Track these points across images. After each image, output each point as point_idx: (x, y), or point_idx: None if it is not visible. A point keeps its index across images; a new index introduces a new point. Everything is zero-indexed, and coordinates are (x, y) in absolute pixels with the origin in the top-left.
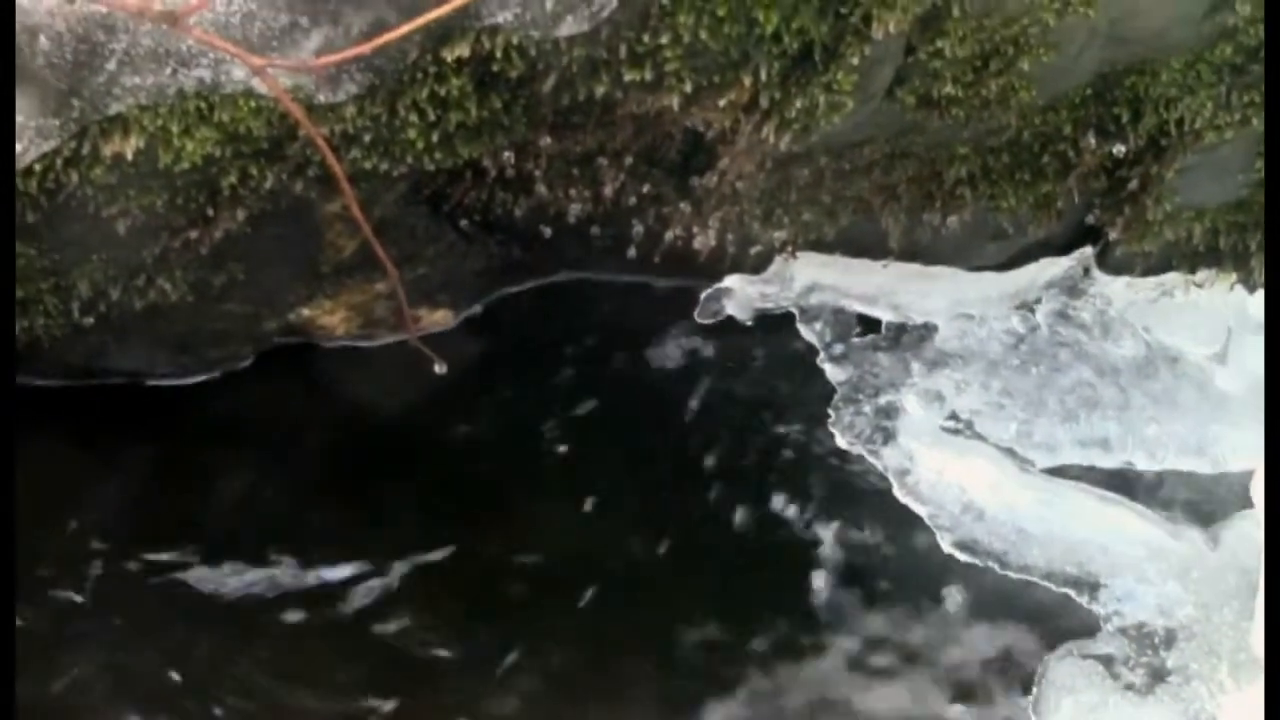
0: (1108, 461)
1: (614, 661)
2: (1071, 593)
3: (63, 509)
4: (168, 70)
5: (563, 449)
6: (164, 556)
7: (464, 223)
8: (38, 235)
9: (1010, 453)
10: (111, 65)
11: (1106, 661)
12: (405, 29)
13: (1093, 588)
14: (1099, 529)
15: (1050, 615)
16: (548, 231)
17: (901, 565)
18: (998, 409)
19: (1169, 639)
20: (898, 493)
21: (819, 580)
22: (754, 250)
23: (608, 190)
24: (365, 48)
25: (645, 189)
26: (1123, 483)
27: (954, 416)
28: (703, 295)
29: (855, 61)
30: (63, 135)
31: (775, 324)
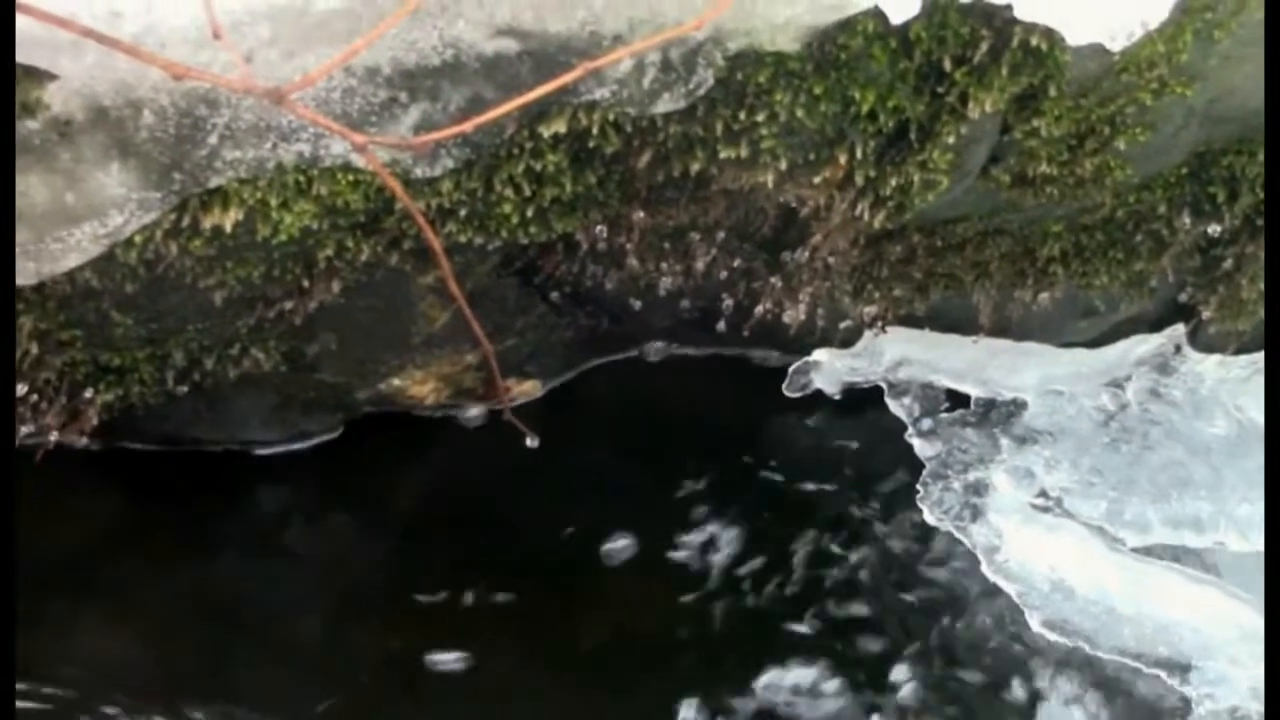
0: (1199, 541)
1: None
2: (1163, 674)
3: (149, 575)
4: (268, 144)
5: (647, 522)
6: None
7: (554, 294)
8: (136, 305)
9: (1100, 531)
10: (213, 139)
11: None
12: (508, 107)
13: (1184, 670)
14: (1191, 610)
15: (1141, 697)
16: (637, 304)
17: (989, 643)
18: (1088, 487)
19: None
20: (986, 570)
21: (905, 656)
22: (843, 324)
23: (699, 264)
24: (467, 126)
25: (736, 263)
26: (1215, 563)
27: (1043, 494)
28: (791, 369)
29: (951, 140)
30: (163, 207)
31: (863, 398)
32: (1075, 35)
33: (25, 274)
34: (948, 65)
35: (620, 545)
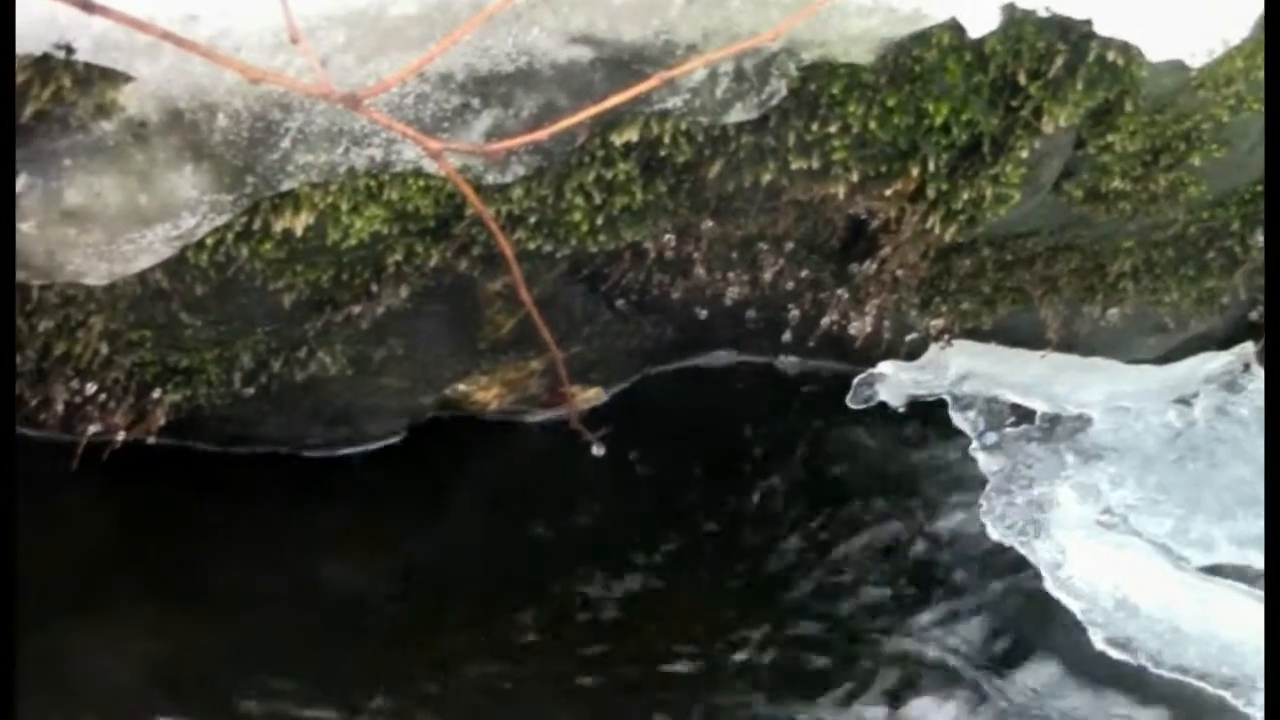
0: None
1: None
2: (1228, 695)
3: (211, 571)
4: (340, 149)
5: (707, 527)
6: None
7: (620, 302)
8: (205, 307)
9: (1165, 549)
10: (286, 143)
11: None
12: (583, 115)
13: (1249, 690)
14: (1256, 630)
15: (1205, 718)
16: (703, 313)
17: (1052, 661)
18: (1153, 504)
19: None
20: (1049, 586)
21: (968, 673)
22: (909, 337)
23: (767, 275)
24: (542, 134)
25: (804, 274)
26: None
27: (1108, 510)
28: (856, 380)
29: (1024, 155)
30: (235, 210)
31: (927, 412)
32: (1155, 52)
33: (98, 274)
34: (1023, 79)
35: (677, 547)
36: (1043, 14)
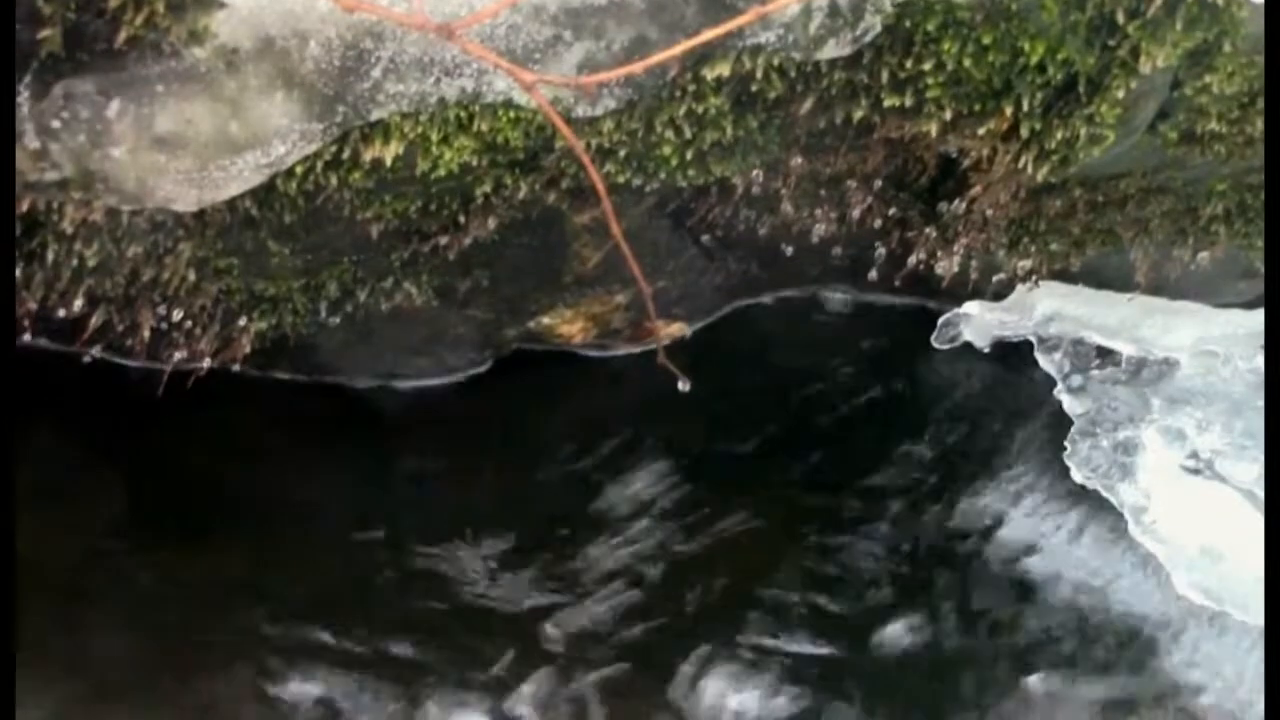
0: None
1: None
2: None
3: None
4: (431, 79)
5: (789, 468)
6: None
7: (706, 238)
8: (293, 235)
9: (1252, 495)
10: (377, 72)
11: None
12: (678, 49)
13: None
14: None
15: None
16: (789, 250)
17: (1134, 605)
18: (1240, 450)
19: None
20: (1133, 530)
21: (1048, 616)
22: (996, 278)
23: (854, 212)
24: (637, 67)
25: (891, 212)
26: None
27: (1194, 455)
28: (941, 320)
29: (1120, 95)
30: (325, 139)
31: (1013, 352)
32: None
33: (187, 201)
34: (1121, 18)
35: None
36: None
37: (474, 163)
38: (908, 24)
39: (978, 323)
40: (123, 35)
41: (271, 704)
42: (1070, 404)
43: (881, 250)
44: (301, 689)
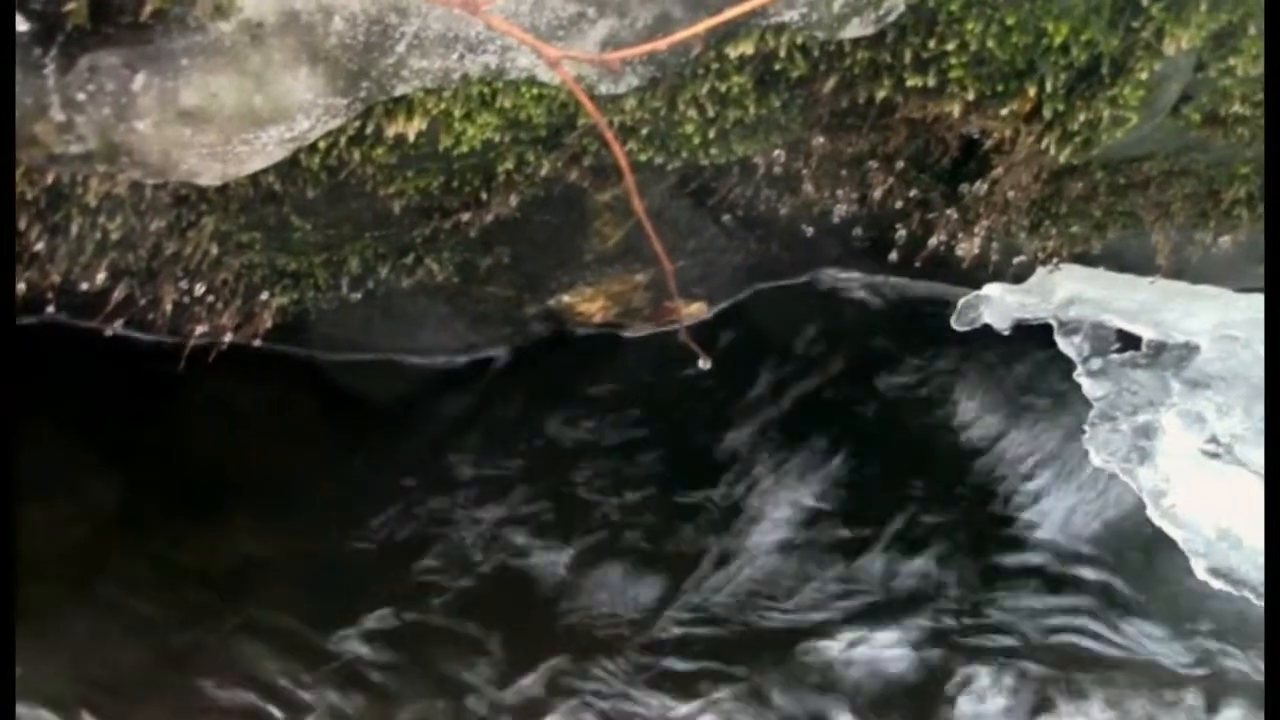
0: None
1: None
2: None
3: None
4: (455, 55)
5: (807, 448)
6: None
7: (726, 218)
8: (316, 210)
9: None
10: (401, 48)
11: None
12: (703, 26)
13: None
14: None
15: None
16: (809, 230)
17: (1152, 589)
18: (1260, 435)
19: None
20: (1152, 514)
21: (1067, 600)
22: (1017, 260)
23: (876, 193)
24: (661, 44)
25: (913, 193)
26: None
27: (1214, 440)
28: (961, 302)
29: (1144, 76)
30: (348, 114)
31: (1032, 335)
32: None
33: (211, 175)
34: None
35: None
36: None
37: (497, 139)
38: (931, 4)
39: (998, 305)
40: (148, 8)
41: (274, 691)
42: (1090, 387)
43: (902, 232)
44: (308, 674)
